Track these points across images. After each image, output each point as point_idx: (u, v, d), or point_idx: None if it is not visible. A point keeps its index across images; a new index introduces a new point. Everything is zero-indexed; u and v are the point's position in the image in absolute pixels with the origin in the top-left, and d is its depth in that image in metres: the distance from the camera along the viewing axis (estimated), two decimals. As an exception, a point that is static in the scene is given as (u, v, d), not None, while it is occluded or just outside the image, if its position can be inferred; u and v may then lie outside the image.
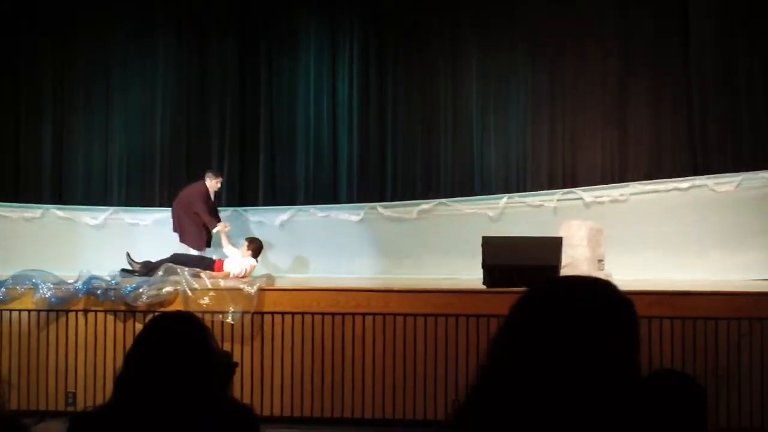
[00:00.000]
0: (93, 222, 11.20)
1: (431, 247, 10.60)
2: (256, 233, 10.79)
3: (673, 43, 10.75)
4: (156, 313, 2.96)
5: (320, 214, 11.12)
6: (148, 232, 10.98)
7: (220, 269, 9.51)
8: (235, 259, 9.74)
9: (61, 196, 11.70)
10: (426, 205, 11.00)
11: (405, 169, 11.60)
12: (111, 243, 10.72)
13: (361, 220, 11.01)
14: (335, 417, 7.46)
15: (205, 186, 10.31)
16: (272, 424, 6.98)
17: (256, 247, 9.96)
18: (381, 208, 11.07)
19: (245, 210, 11.28)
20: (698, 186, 10.04)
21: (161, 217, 10.79)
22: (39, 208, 11.22)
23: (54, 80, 11.96)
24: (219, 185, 10.49)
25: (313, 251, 10.91)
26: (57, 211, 11.23)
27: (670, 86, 10.78)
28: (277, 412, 7.42)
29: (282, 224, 11.16)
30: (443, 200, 11.00)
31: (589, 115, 11.05)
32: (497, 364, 1.74)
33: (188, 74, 11.98)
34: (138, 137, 11.89)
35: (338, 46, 11.84)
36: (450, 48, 11.56)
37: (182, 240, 10.17)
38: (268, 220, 11.15)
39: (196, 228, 10.16)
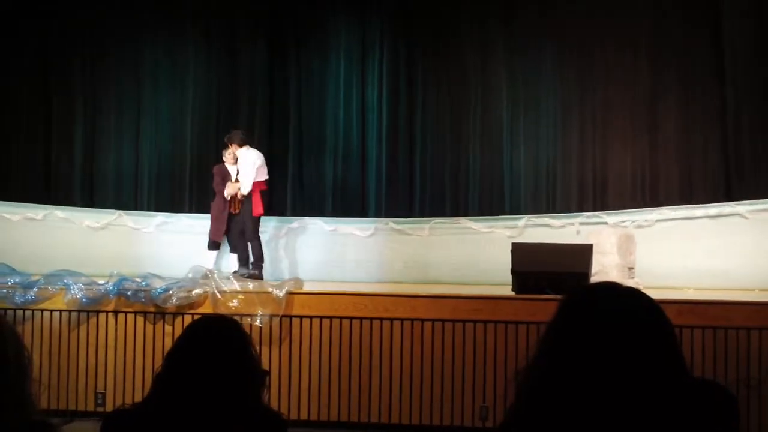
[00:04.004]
0: (95, 225, 11.28)
1: (438, 266, 10.54)
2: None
3: (706, 51, 10.62)
4: (198, 316, 2.97)
5: (328, 227, 11.14)
6: (150, 238, 11.07)
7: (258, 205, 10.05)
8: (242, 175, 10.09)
9: (92, 200, 11.82)
10: (440, 221, 10.96)
11: (434, 178, 11.58)
12: (112, 247, 10.79)
13: (372, 235, 11.02)
14: (362, 422, 7.45)
15: (221, 165, 10.38)
16: (299, 427, 6.99)
17: (241, 138, 10.20)
18: (393, 223, 11.06)
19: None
20: (728, 215, 9.80)
21: (161, 222, 10.90)
22: (42, 209, 11.31)
23: (84, 84, 12.09)
24: (232, 155, 10.31)
25: (318, 264, 10.86)
26: (59, 213, 11.31)
27: (702, 95, 10.63)
28: (304, 415, 7.42)
29: (287, 233, 11.19)
30: (459, 218, 10.96)
31: (619, 124, 10.95)
32: (546, 369, 1.76)
33: (217, 78, 12.07)
34: (168, 141, 12.00)
35: (367, 51, 11.87)
36: (479, 55, 11.55)
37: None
38: (273, 231, 11.19)
39: (216, 212, 10.24)
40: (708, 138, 10.56)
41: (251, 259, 10.09)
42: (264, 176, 10.24)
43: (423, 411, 7.38)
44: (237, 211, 10.10)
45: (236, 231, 10.18)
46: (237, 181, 10.15)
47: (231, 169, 10.32)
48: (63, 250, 10.49)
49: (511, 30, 11.43)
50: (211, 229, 10.27)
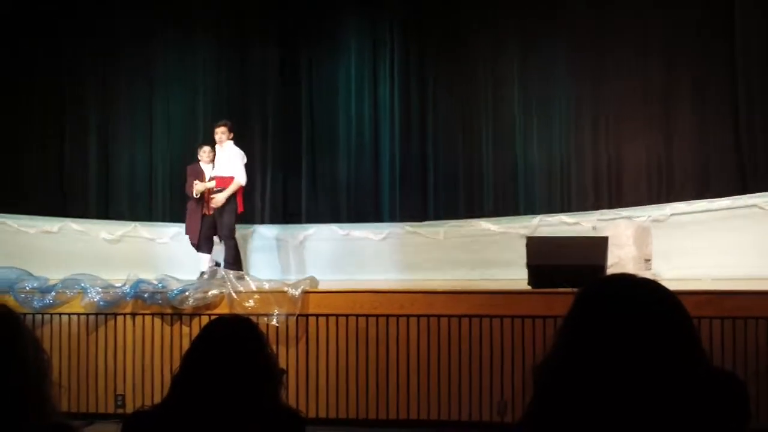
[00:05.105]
0: (110, 237, 11.31)
1: (456, 269, 10.50)
2: (276, 250, 10.91)
3: (719, 43, 10.51)
4: (215, 317, 2.99)
5: (341, 231, 11.13)
6: (166, 249, 11.07)
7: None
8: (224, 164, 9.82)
9: (107, 211, 11.86)
10: (454, 223, 10.93)
11: (447, 177, 11.56)
12: (128, 258, 10.77)
13: (385, 238, 11.01)
14: (380, 419, 7.45)
15: (195, 165, 10.20)
16: (317, 425, 6.99)
17: (231, 126, 9.91)
18: (408, 226, 11.05)
19: (264, 226, 11.41)
20: (744, 206, 9.70)
21: (177, 232, 10.95)
22: (58, 222, 11.36)
23: (97, 95, 12.14)
24: (207, 153, 10.17)
25: (332, 269, 10.79)
26: (74, 225, 11.36)
27: (715, 87, 10.52)
28: (322, 413, 7.43)
29: (302, 242, 11.19)
30: (472, 220, 10.93)
31: (632, 119, 10.89)
32: (564, 362, 1.76)
33: (229, 81, 12.09)
34: (181, 150, 11.98)
35: (379, 50, 11.87)
36: (491, 52, 11.53)
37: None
38: (288, 237, 11.18)
39: (190, 212, 10.06)
40: (722, 131, 10.47)
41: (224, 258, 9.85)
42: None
43: (441, 407, 7.37)
44: (211, 212, 9.89)
45: (208, 231, 9.96)
46: (212, 179, 9.94)
47: (206, 167, 10.12)
48: (79, 262, 10.49)
49: (522, 26, 11.39)
50: (187, 229, 10.09)
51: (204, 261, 9.94)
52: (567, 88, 11.19)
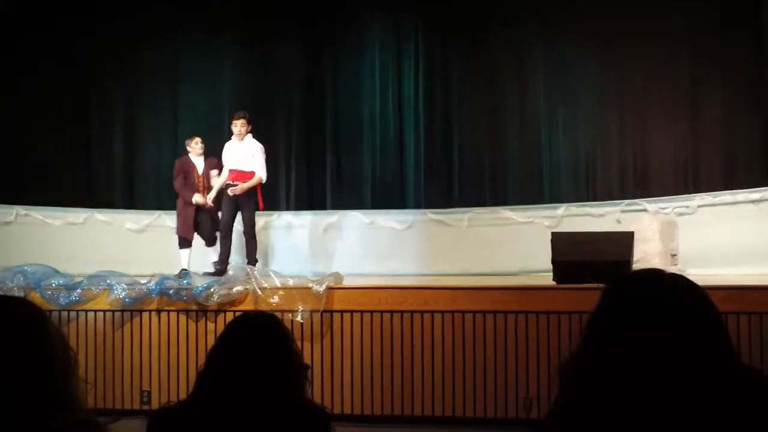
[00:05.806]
0: (136, 227, 11.36)
1: (478, 258, 10.46)
2: (300, 237, 10.96)
3: (746, 33, 10.40)
4: (239, 313, 3.00)
5: (365, 219, 11.12)
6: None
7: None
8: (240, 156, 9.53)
9: (132, 202, 11.92)
10: (478, 211, 10.90)
11: (472, 168, 11.54)
12: (153, 247, 10.77)
13: (410, 227, 11.00)
14: (405, 415, 7.44)
15: (184, 158, 9.88)
16: (341, 422, 6.98)
17: (249, 117, 9.57)
18: (431, 214, 11.04)
19: (290, 213, 11.44)
20: None
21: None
22: (83, 213, 11.41)
23: (121, 86, 12.17)
24: (199, 145, 9.85)
25: (357, 257, 10.79)
26: (100, 216, 11.41)
27: (743, 79, 10.40)
28: (346, 409, 7.44)
29: (327, 228, 11.20)
30: (497, 208, 10.91)
31: (659, 110, 10.81)
32: (591, 359, 1.76)
33: (254, 74, 12.10)
34: (205, 140, 12.01)
35: (403, 43, 11.86)
36: (515, 43, 11.49)
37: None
38: (311, 225, 11.21)
39: (180, 208, 9.82)
40: (749, 122, 10.37)
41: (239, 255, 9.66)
42: None
43: (466, 403, 7.36)
44: (210, 205, 9.67)
45: (211, 226, 9.74)
46: (213, 169, 9.73)
47: (197, 161, 9.79)
48: (105, 253, 10.57)
49: (547, 18, 11.32)
50: (178, 227, 9.83)
51: (212, 254, 9.84)
52: (592, 80, 11.13)
